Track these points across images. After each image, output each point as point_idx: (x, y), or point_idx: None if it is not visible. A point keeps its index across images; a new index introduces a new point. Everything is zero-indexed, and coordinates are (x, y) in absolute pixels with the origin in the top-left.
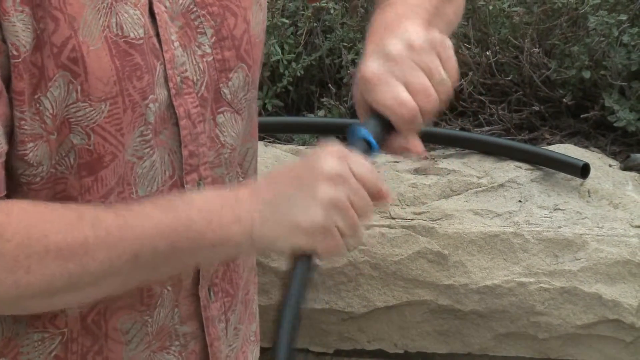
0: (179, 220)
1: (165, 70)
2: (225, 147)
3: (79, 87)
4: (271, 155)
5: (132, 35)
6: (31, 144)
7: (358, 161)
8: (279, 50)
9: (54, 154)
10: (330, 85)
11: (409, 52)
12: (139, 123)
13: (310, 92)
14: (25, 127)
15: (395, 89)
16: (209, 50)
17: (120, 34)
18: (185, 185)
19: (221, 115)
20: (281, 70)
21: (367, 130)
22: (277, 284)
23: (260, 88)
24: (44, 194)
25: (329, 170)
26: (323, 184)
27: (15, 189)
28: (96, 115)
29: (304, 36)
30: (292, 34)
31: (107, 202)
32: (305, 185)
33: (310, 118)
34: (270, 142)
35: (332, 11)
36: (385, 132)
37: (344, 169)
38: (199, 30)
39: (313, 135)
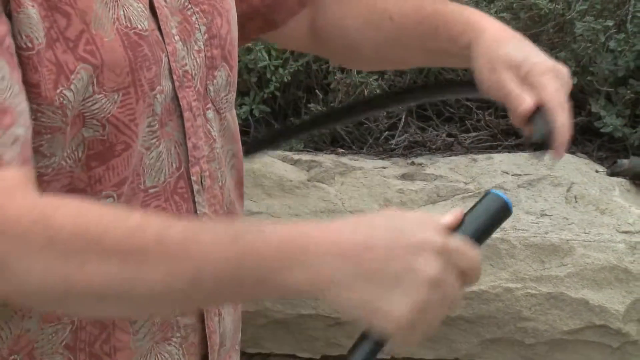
0: (246, 257)
1: (169, 62)
2: (217, 142)
3: (95, 80)
4: (258, 161)
5: (139, 26)
6: (48, 136)
7: (462, 253)
8: (266, 56)
9: (66, 146)
10: (317, 90)
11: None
12: (147, 113)
13: (297, 98)
14: (43, 120)
15: (563, 94)
16: (202, 47)
17: (129, 25)
18: (191, 178)
19: (209, 111)
20: (268, 76)
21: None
22: None
23: (247, 94)
24: (54, 186)
25: (431, 273)
26: (422, 285)
27: None
28: (110, 106)
29: None
30: None
31: (119, 191)
32: (403, 276)
33: None
34: None
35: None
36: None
37: (446, 271)
38: (195, 26)
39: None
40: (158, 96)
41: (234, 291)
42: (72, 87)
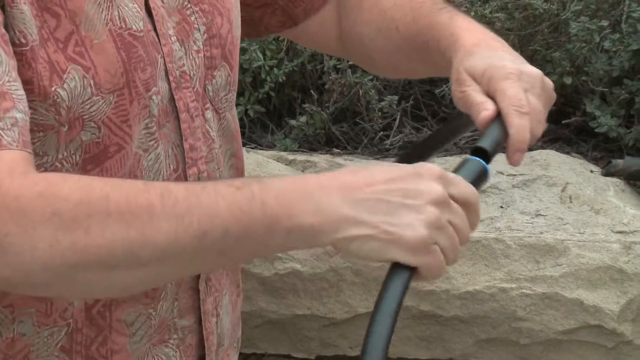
0: (254, 204)
1: (165, 63)
2: (215, 142)
3: (92, 82)
4: (252, 161)
5: (134, 27)
6: (40, 134)
7: (459, 184)
8: (260, 56)
9: (61, 148)
10: (312, 91)
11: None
12: (143, 115)
13: (292, 98)
14: (35, 117)
15: (523, 97)
16: (201, 47)
17: (124, 26)
18: (188, 179)
19: (208, 111)
20: (263, 76)
21: (484, 147)
22: (260, 290)
23: (242, 94)
24: None
25: (435, 193)
26: (428, 204)
27: None
28: (105, 107)
29: (285, 42)
30: (273, 39)
31: None
32: (409, 200)
33: None
34: (252, 147)
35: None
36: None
37: (448, 195)
38: (194, 26)
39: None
40: (154, 97)
41: (244, 242)
42: (66, 86)
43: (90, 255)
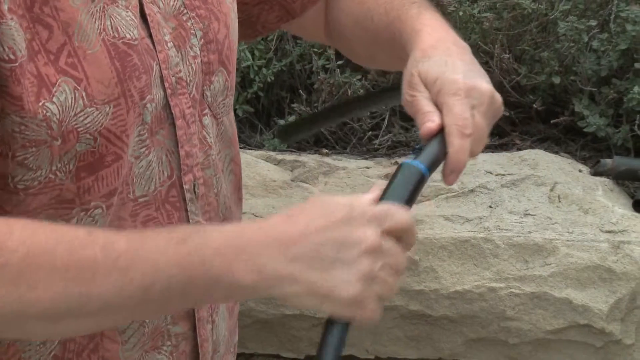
0: (193, 259)
1: (160, 70)
2: (212, 149)
3: (84, 93)
4: (241, 161)
5: (128, 36)
6: (33, 149)
7: (396, 218)
8: (249, 56)
9: (55, 160)
10: (300, 90)
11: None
12: (137, 123)
13: (280, 98)
14: (27, 133)
15: (468, 117)
16: (198, 52)
17: (117, 35)
18: (183, 186)
19: (205, 117)
20: (251, 76)
21: (421, 163)
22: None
23: None
24: (40, 199)
25: (368, 242)
26: (361, 256)
27: (10, 198)
28: (102, 119)
29: (274, 42)
30: (262, 39)
31: (108, 202)
32: (342, 253)
33: None
34: (240, 147)
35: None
36: (439, 158)
37: (381, 236)
38: (191, 32)
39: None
40: (148, 105)
41: (186, 295)
42: (55, 100)
43: (36, 308)
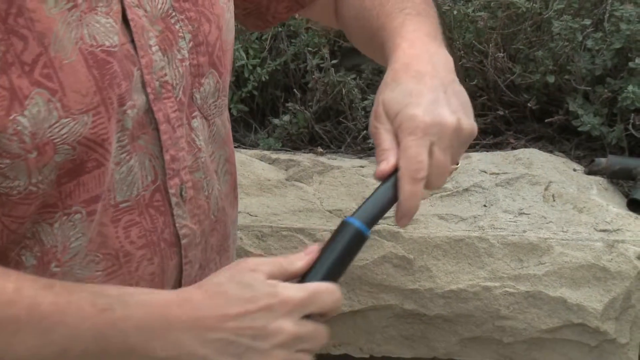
0: (114, 331)
1: (142, 75)
2: (202, 151)
3: (58, 105)
4: (236, 160)
5: (107, 43)
6: (7, 161)
7: (319, 302)
8: (243, 55)
9: (34, 174)
10: (295, 90)
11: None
12: (117, 129)
13: (275, 97)
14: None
15: (422, 159)
16: (186, 55)
17: (95, 44)
18: (169, 190)
19: (195, 119)
20: (246, 75)
21: (363, 222)
22: None
23: None
24: (24, 209)
25: (284, 335)
26: (277, 348)
27: None
28: (81, 128)
29: (268, 41)
30: (256, 38)
31: (89, 209)
32: (258, 343)
33: None
34: (235, 147)
35: (296, 16)
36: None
37: (299, 327)
38: (179, 34)
39: (278, 139)
40: (129, 111)
41: (102, 357)
42: (27, 112)
43: None
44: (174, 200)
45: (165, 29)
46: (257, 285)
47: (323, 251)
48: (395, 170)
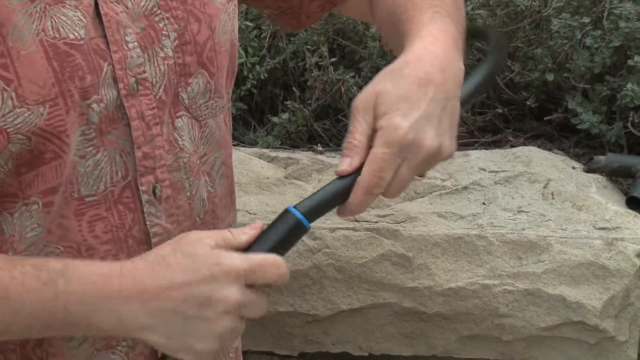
0: (56, 305)
1: (114, 70)
2: (184, 152)
3: (13, 94)
4: (235, 158)
5: (71, 36)
6: None
7: (258, 272)
8: (242, 53)
9: None
10: (294, 88)
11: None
12: (80, 122)
13: (274, 95)
14: None
15: (385, 176)
16: (170, 54)
17: (57, 36)
18: (140, 187)
19: (180, 119)
20: (245, 73)
21: (304, 214)
22: None
23: None
24: None
25: (229, 301)
26: (222, 315)
27: None
28: (36, 119)
29: (267, 39)
30: (255, 37)
31: (45, 200)
32: (204, 312)
33: None
34: (234, 145)
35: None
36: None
37: (242, 294)
38: (163, 32)
39: (277, 137)
40: (94, 105)
41: (47, 332)
42: None
43: None
44: (145, 197)
45: (147, 26)
46: (200, 256)
47: (265, 232)
48: (356, 170)
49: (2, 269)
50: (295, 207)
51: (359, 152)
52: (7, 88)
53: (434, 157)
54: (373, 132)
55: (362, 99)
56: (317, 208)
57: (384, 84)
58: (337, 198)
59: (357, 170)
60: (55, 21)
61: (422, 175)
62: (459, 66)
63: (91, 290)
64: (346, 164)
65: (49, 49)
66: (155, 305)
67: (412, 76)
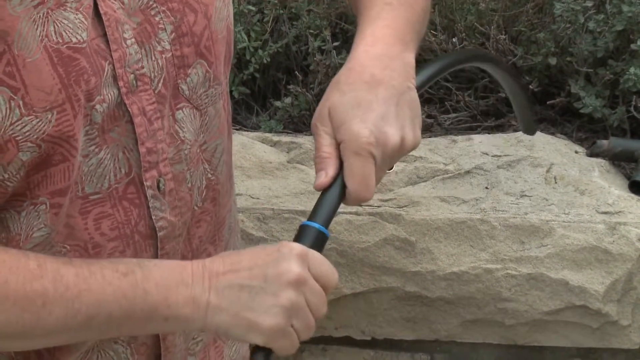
0: (136, 291)
1: (114, 69)
2: (185, 143)
3: (21, 102)
4: (238, 143)
5: (74, 40)
6: None
7: (318, 262)
8: (245, 37)
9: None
10: (296, 72)
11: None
12: (84, 123)
13: (276, 79)
14: None
15: (370, 183)
16: (168, 47)
17: (61, 41)
18: (144, 183)
19: (180, 111)
20: (247, 58)
21: (319, 224)
22: None
23: None
24: None
25: (293, 274)
26: (286, 287)
27: None
28: (44, 126)
29: (270, 23)
30: (258, 21)
31: (53, 200)
32: (269, 284)
33: None
34: (236, 129)
35: None
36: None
37: (306, 273)
38: (159, 26)
39: (279, 123)
40: (97, 106)
41: (124, 326)
42: None
43: None
44: (149, 192)
45: (144, 21)
46: (262, 249)
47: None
48: (333, 180)
49: (79, 266)
50: (308, 221)
51: (330, 163)
52: (15, 97)
53: (400, 151)
54: (337, 143)
55: (317, 117)
56: (328, 215)
57: (334, 97)
58: (336, 201)
59: (337, 176)
60: (57, 26)
61: (390, 168)
62: (404, 59)
63: (168, 274)
64: (322, 176)
65: (54, 55)
66: (224, 282)
67: (358, 82)
